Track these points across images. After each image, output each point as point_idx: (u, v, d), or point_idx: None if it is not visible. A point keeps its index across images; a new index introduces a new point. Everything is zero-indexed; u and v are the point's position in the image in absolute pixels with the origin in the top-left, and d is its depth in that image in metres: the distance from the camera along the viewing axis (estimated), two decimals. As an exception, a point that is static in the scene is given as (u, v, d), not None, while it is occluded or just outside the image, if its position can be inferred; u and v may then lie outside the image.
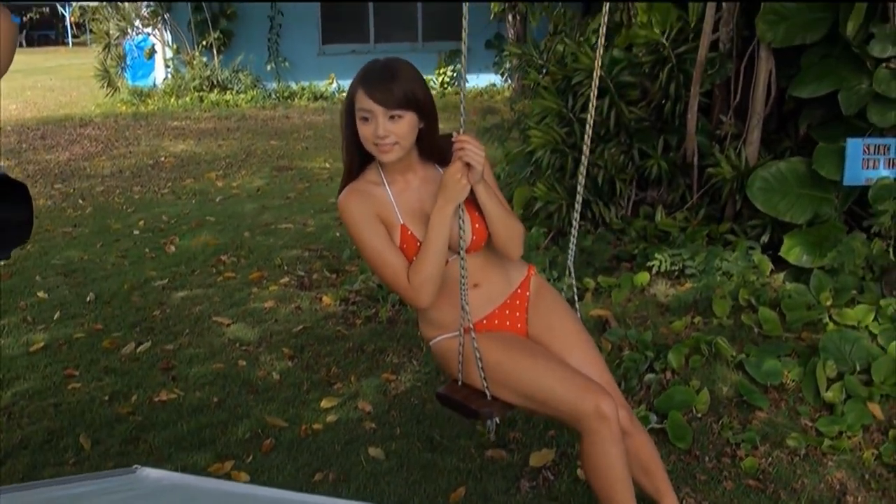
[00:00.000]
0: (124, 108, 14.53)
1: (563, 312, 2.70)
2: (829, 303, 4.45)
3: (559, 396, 2.42)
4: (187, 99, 14.90)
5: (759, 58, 5.41)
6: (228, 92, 15.35)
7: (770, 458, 3.35)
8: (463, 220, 2.42)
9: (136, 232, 6.90)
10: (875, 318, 4.27)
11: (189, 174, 9.28)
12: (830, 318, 4.36)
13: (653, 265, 5.04)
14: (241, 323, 4.90)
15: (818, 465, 3.31)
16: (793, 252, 4.83)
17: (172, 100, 14.92)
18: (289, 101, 15.71)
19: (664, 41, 5.56)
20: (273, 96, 15.76)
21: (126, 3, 15.79)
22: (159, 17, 15.45)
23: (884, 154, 4.79)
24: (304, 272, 5.73)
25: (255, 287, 5.49)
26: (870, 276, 4.65)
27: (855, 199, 5.03)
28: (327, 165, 9.66)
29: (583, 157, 2.77)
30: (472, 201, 2.46)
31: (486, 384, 2.51)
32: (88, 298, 5.33)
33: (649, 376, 3.92)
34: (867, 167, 4.80)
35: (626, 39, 6.01)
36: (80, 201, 8.02)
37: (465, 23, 2.36)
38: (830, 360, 3.79)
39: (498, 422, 2.58)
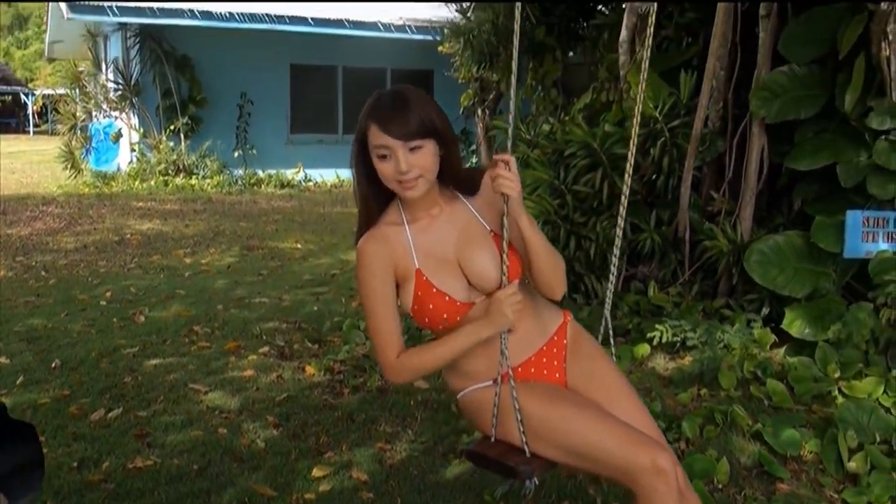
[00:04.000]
0: (87, 189, 14.26)
1: (604, 361, 2.48)
2: (836, 375, 4.32)
3: (611, 451, 2.18)
4: (152, 182, 14.69)
5: (752, 134, 5.40)
6: (194, 177, 15.16)
7: (800, 531, 3.14)
8: (506, 259, 2.23)
9: (102, 303, 6.60)
10: (885, 391, 4.14)
11: (156, 251, 9.01)
12: (840, 390, 4.23)
13: (653, 336, 4.87)
14: (220, 391, 4.61)
15: (851, 537, 3.11)
16: (795, 325, 4.71)
17: (137, 183, 14.69)
18: (255, 187, 15.57)
19: (657, 115, 5.52)
20: (239, 182, 15.61)
21: (93, 87, 15.71)
22: (127, 101, 15.34)
23: (883, 227, 4.74)
24: (284, 342, 5.47)
25: (232, 356, 5.20)
26: (873, 349, 4.53)
27: (853, 275, 4.96)
28: (299, 246, 9.45)
29: (622, 200, 2.63)
30: (500, 235, 2.27)
31: (524, 439, 2.27)
32: (54, 365, 5.01)
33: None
34: (867, 240, 4.74)
35: (617, 115, 5.99)
36: (43, 273, 7.70)
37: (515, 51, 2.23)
38: (851, 431, 3.62)
39: (536, 482, 2.33)
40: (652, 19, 2.50)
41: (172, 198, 13.60)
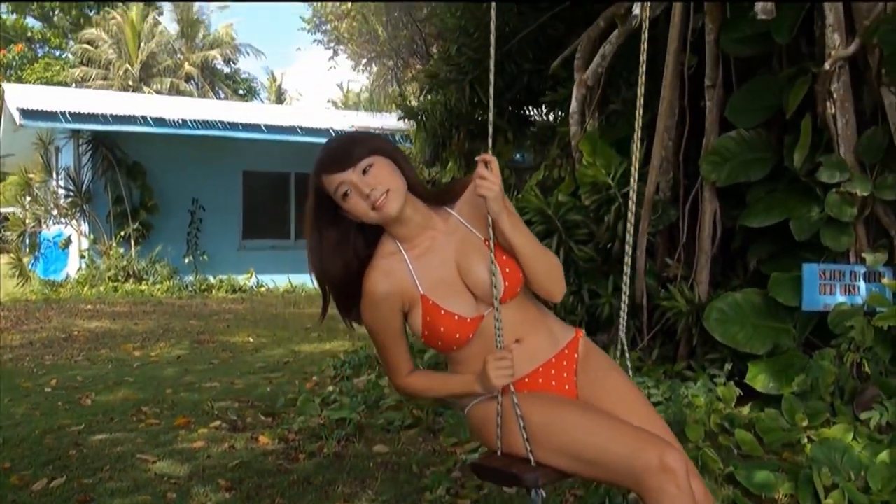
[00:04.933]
0: (34, 296, 13.95)
1: (616, 373, 2.42)
2: (804, 424, 4.25)
3: (616, 452, 2.09)
4: (101, 288, 14.40)
5: (704, 198, 5.46)
6: (144, 282, 14.90)
7: (780, 564, 3.01)
8: (495, 268, 2.21)
9: (47, 389, 6.34)
10: (854, 438, 4.08)
11: (104, 346, 8.74)
12: (809, 438, 4.16)
13: (617, 394, 4.78)
14: (169, 460, 4.40)
15: (834, 568, 2.98)
16: (759, 379, 4.66)
17: (85, 289, 14.40)
18: (206, 293, 15.33)
19: (610, 181, 5.57)
20: (190, 288, 15.37)
21: (43, 194, 15.56)
22: (77, 208, 15.17)
23: (839, 279, 4.77)
24: (236, 417, 5.27)
25: (182, 430, 5.00)
26: (839, 401, 4.49)
27: (811, 330, 4.95)
28: (251, 340, 9.26)
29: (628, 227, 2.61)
30: (497, 241, 2.25)
31: (528, 447, 2.21)
32: (-6, 442, 4.76)
33: (632, 494, 3.58)
34: (824, 293, 4.76)
35: (570, 186, 6.04)
36: (-14, 365, 7.43)
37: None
38: (825, 469, 3.54)
39: (544, 495, 2.23)
40: (646, 24, 2.53)
41: (122, 301, 13.35)
